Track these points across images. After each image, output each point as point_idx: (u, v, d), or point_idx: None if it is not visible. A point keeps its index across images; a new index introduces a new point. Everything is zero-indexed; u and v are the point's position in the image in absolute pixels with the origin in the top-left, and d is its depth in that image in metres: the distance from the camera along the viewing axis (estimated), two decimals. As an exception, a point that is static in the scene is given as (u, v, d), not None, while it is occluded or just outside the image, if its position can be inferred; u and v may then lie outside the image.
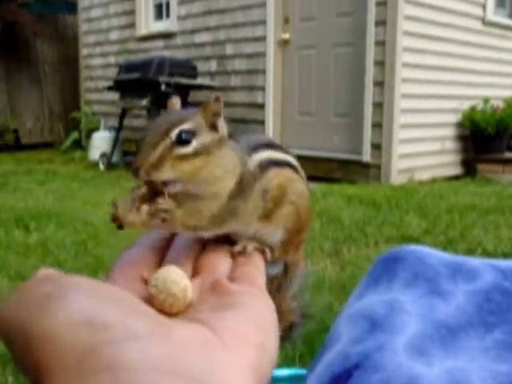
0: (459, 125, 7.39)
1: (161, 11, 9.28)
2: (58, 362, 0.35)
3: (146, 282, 0.49)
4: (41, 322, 0.37)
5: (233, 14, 7.85)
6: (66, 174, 7.66)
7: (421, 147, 6.87)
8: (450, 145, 7.38)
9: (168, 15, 9.05)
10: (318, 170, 6.91)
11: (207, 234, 0.58)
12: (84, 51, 10.90)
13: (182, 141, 0.53)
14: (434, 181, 6.84)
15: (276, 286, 0.70)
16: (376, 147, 6.53)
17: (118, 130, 8.25)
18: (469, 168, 7.45)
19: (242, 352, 0.39)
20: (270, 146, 0.63)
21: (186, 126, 0.53)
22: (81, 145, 10.21)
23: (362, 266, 3.43)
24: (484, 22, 7.57)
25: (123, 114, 8.11)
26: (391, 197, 5.37)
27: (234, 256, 0.57)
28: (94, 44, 10.62)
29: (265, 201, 0.60)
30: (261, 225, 0.61)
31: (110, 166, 8.02)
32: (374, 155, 6.54)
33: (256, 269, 0.54)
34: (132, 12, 9.57)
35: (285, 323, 0.72)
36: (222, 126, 0.56)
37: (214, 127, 0.55)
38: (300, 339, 0.77)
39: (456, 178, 7.25)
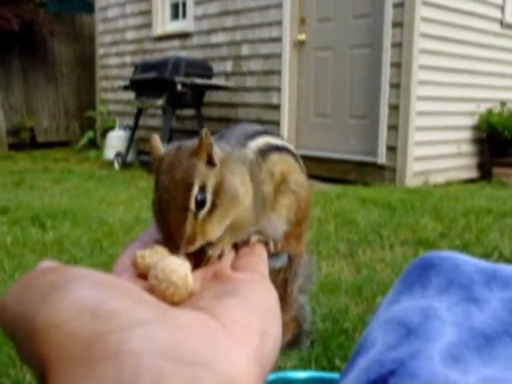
0: (476, 128, 7.34)
1: (177, 11, 9.30)
2: (62, 351, 0.34)
3: (134, 263, 0.50)
4: (44, 312, 0.36)
5: (249, 14, 7.86)
6: (81, 172, 7.71)
7: (436, 150, 6.82)
8: (466, 148, 7.33)
9: (184, 15, 9.08)
10: (333, 171, 6.90)
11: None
12: (100, 51, 10.97)
13: (200, 205, 0.53)
14: (449, 184, 6.79)
15: (281, 279, 0.71)
16: (391, 149, 6.50)
17: (134, 129, 8.28)
18: (484, 171, 7.39)
19: (246, 338, 0.39)
20: (267, 133, 0.65)
21: (196, 189, 0.53)
22: (96, 144, 10.27)
23: (377, 269, 3.42)
24: (502, 24, 7.51)
25: (139, 113, 8.13)
26: (406, 199, 5.34)
27: (236, 248, 0.58)
28: (111, 44, 10.68)
29: (272, 182, 0.61)
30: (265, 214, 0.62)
31: (125, 166, 8.06)
32: (390, 157, 6.51)
33: (259, 258, 0.55)
34: (148, 12, 9.61)
35: (290, 320, 0.73)
36: (217, 155, 0.55)
37: (211, 161, 0.55)
38: (309, 345, 0.78)
39: (471, 181, 7.19)
